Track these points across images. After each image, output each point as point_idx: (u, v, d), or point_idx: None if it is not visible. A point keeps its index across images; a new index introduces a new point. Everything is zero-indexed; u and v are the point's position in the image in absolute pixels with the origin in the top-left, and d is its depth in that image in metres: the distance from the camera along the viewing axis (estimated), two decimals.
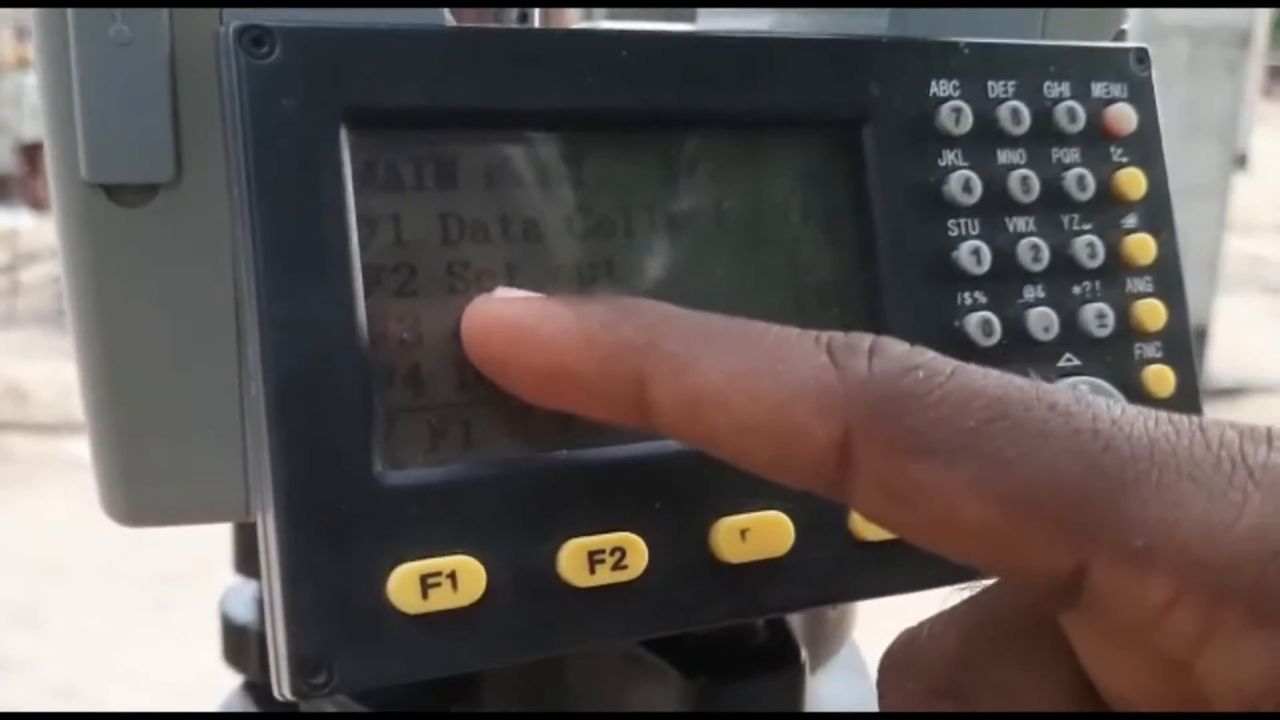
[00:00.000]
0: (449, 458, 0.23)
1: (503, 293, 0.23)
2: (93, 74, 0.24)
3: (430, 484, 0.22)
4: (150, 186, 0.25)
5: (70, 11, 0.24)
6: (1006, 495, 0.17)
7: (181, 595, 2.32)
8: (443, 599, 0.22)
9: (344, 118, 0.23)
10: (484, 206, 0.24)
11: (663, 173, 0.26)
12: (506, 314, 0.22)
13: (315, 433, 0.22)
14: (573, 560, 0.23)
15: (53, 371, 3.69)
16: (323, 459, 0.22)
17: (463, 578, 0.22)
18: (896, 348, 0.19)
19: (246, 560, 0.38)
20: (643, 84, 0.25)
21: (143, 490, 0.27)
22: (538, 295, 0.23)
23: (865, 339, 0.20)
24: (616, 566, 0.23)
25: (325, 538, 0.22)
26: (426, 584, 0.22)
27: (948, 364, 0.19)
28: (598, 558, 0.23)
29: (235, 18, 0.23)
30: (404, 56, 0.23)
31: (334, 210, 0.22)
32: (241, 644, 0.38)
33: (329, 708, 0.31)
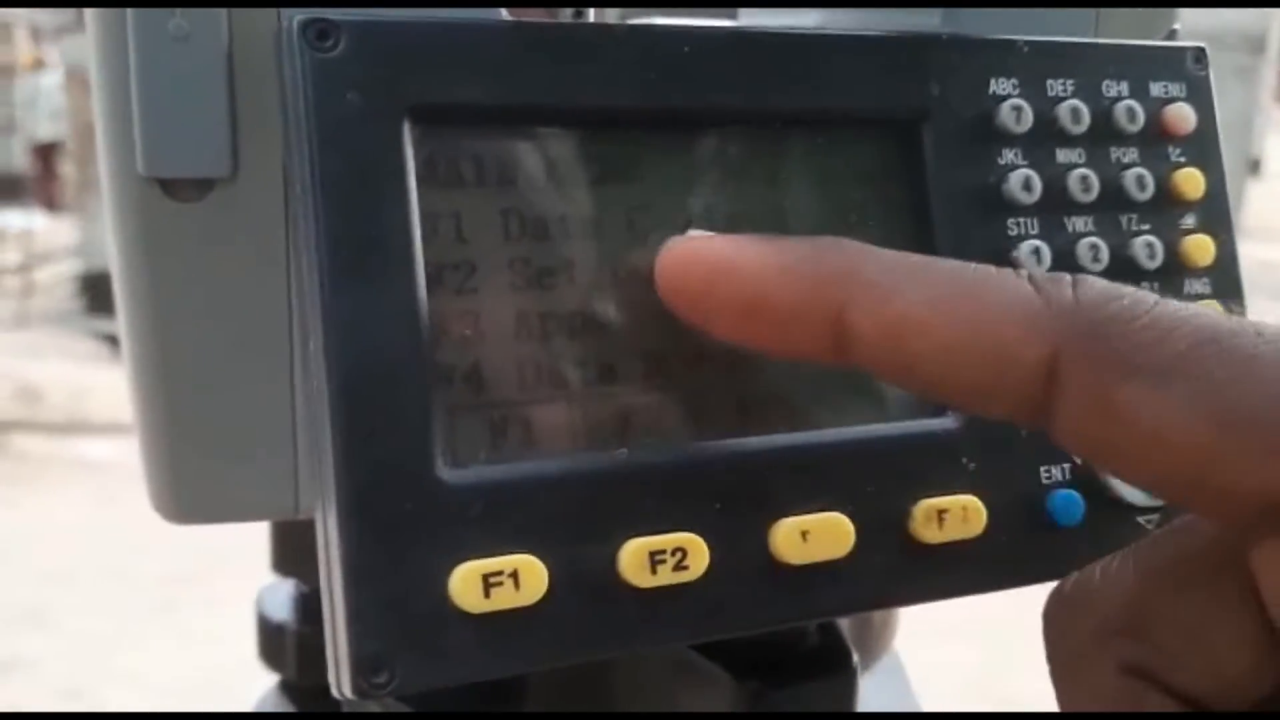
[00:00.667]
0: (510, 456, 0.23)
1: (696, 233, 0.23)
2: (151, 68, 0.24)
3: (492, 482, 0.22)
4: (206, 181, 0.25)
5: (130, 10, 0.24)
6: (1218, 415, 0.17)
7: (186, 598, 2.33)
8: (505, 598, 0.22)
9: (407, 113, 0.22)
10: (544, 203, 0.24)
11: (721, 170, 0.25)
12: (705, 250, 0.22)
13: (377, 431, 0.22)
14: (634, 560, 0.22)
15: (64, 372, 3.70)
16: (385, 457, 0.22)
17: (525, 577, 0.22)
18: (1099, 281, 0.20)
19: (284, 559, 0.38)
20: (703, 80, 0.24)
21: (192, 487, 0.27)
22: (733, 235, 0.23)
23: (1066, 275, 0.20)
24: (678, 567, 0.23)
25: (387, 537, 0.21)
26: (489, 583, 0.21)
27: (1150, 295, 0.19)
28: (659, 558, 0.23)
29: (292, 14, 0.22)
30: (467, 51, 0.23)
31: (397, 206, 0.22)
32: (278, 643, 0.38)
33: (373, 707, 0.31)
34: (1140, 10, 0.31)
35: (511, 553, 0.22)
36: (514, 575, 0.22)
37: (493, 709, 0.31)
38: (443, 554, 0.21)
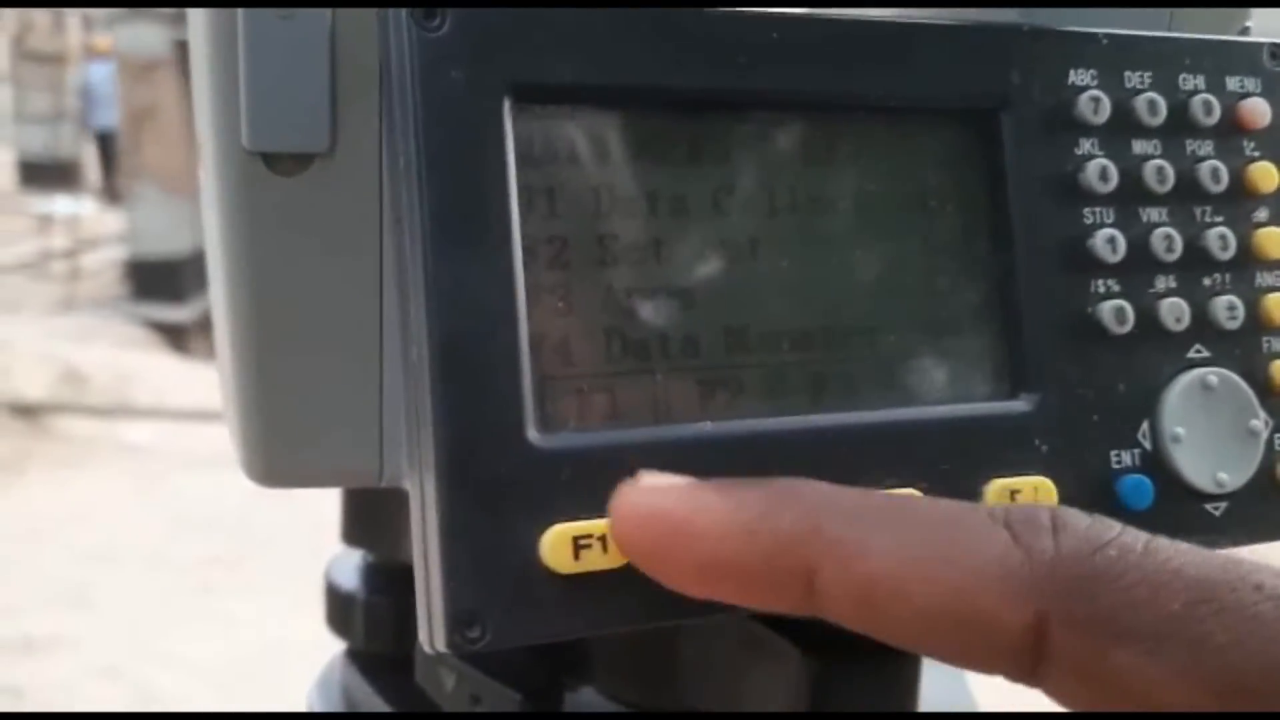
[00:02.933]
0: (598, 425, 0.24)
1: (649, 480, 0.22)
2: (258, 46, 0.25)
3: (580, 448, 0.23)
4: (306, 156, 0.26)
5: None
6: (1219, 684, 0.17)
7: (225, 580, 2.35)
8: (593, 560, 0.22)
9: (508, 91, 0.23)
10: (634, 181, 0.25)
11: (805, 153, 0.26)
12: (657, 507, 0.21)
13: (473, 397, 0.22)
14: None
15: (109, 356, 3.75)
16: (480, 423, 0.22)
17: (612, 541, 0.22)
18: (1079, 520, 0.19)
19: (353, 530, 0.39)
20: (790, 65, 0.25)
21: (281, 452, 0.28)
22: (685, 482, 0.22)
23: (1043, 512, 0.19)
24: None
25: (482, 497, 0.22)
26: (578, 545, 0.22)
27: (1137, 538, 0.18)
28: None
29: None
30: (566, 32, 0.24)
31: (497, 182, 0.23)
32: (346, 611, 0.38)
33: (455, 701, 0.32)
34: (1213, 11, 0.31)
35: (600, 517, 0.23)
36: (603, 539, 0.22)
37: (561, 680, 0.32)
38: (534, 516, 0.22)
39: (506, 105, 0.23)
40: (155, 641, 2.15)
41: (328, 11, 0.25)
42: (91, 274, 4.72)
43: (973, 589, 0.18)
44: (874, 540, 0.19)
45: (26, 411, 3.29)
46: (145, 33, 3.99)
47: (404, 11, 0.23)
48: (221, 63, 0.25)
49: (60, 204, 5.03)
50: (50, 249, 4.95)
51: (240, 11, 0.25)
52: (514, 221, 0.23)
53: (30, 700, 1.96)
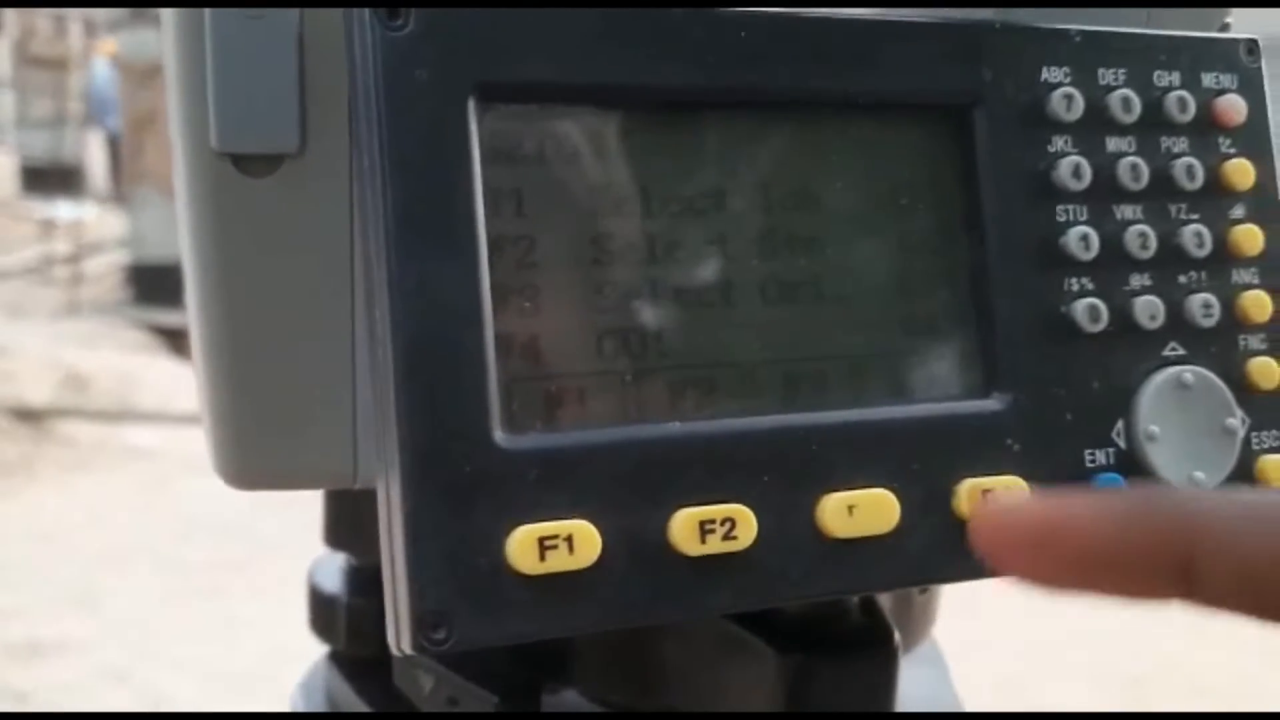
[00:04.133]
0: (565, 425, 0.24)
1: (1006, 497, 0.24)
2: (226, 47, 0.25)
3: (547, 449, 0.23)
4: (275, 157, 0.26)
5: None
6: None
7: (231, 584, 2.35)
8: (560, 561, 0.22)
9: (473, 90, 0.23)
10: (602, 181, 0.25)
11: (777, 150, 0.26)
12: (1031, 510, 0.22)
13: (439, 397, 0.22)
14: (684, 529, 0.23)
15: (112, 361, 3.76)
16: (446, 423, 0.22)
17: (579, 541, 0.22)
18: None
19: (336, 533, 0.39)
20: (762, 63, 0.25)
21: (255, 455, 0.28)
22: (1041, 493, 0.23)
23: None
24: (726, 537, 0.23)
25: (448, 498, 0.22)
26: (544, 546, 0.22)
27: None
28: (708, 527, 0.23)
29: None
30: (531, 31, 0.24)
31: (462, 181, 0.23)
32: (330, 615, 0.38)
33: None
34: (1192, 11, 0.31)
35: (566, 518, 0.22)
36: (569, 539, 0.22)
37: (539, 681, 0.32)
38: (500, 516, 0.22)
39: (471, 104, 0.23)
40: (162, 645, 2.15)
41: (295, 12, 0.25)
42: (94, 279, 4.73)
43: None
44: (1247, 525, 0.21)
45: (31, 416, 3.30)
46: (147, 37, 4.01)
47: (368, 11, 0.23)
48: (190, 64, 0.25)
49: (63, 209, 5.04)
50: (53, 254, 4.97)
51: (208, 12, 0.25)
52: (479, 221, 0.23)
53: (35, 704, 1.96)
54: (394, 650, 0.22)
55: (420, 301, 0.22)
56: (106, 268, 4.80)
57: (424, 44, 0.23)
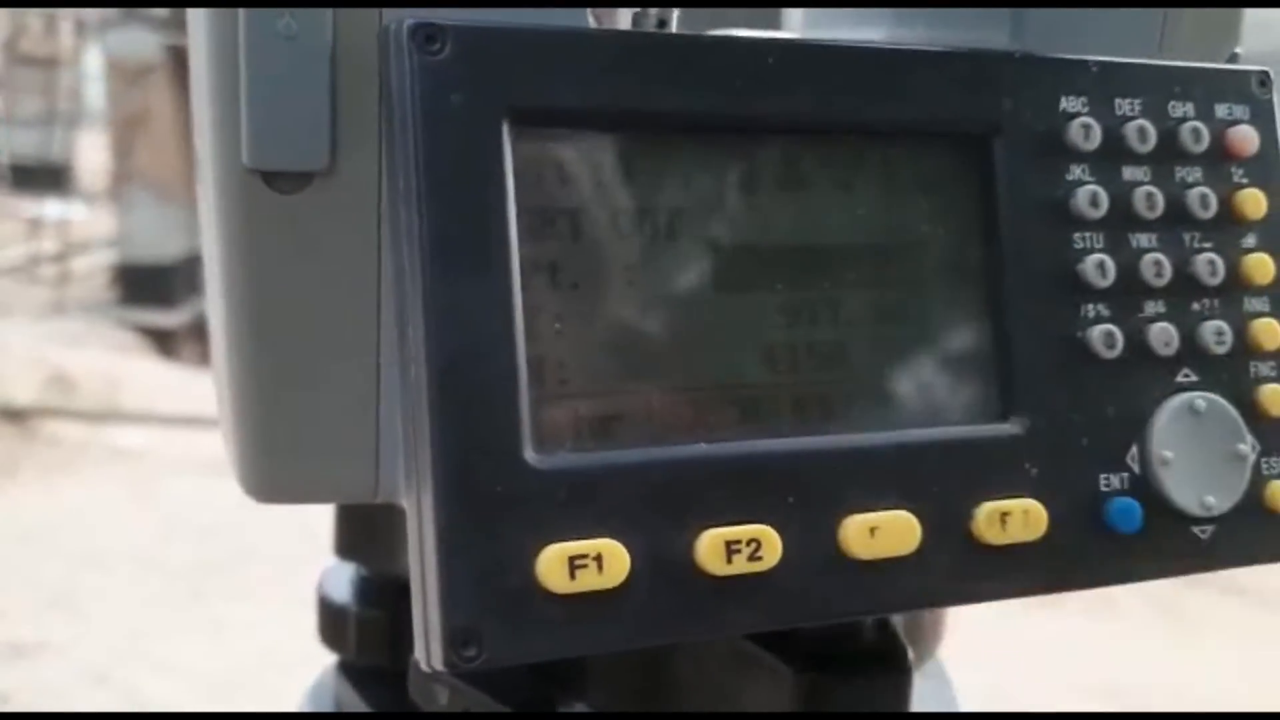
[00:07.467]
0: (594, 445, 0.24)
1: None
2: (260, 65, 0.25)
3: (577, 469, 0.23)
4: (305, 174, 0.26)
5: (241, 9, 0.25)
6: None
7: (216, 587, 2.34)
8: (589, 580, 0.22)
9: (508, 114, 0.23)
10: (632, 204, 0.25)
11: (799, 177, 0.26)
12: None
13: (472, 416, 0.23)
14: (710, 549, 0.23)
15: (98, 361, 3.74)
16: (478, 441, 0.23)
17: (609, 560, 0.23)
18: None
19: (347, 544, 0.39)
20: (786, 90, 0.25)
21: (278, 468, 0.28)
22: None
23: None
24: (752, 557, 0.24)
25: (478, 516, 0.22)
26: (574, 565, 0.22)
27: None
28: (734, 548, 0.24)
29: (394, 16, 0.23)
30: (566, 57, 0.24)
31: (496, 204, 0.23)
32: (339, 624, 0.39)
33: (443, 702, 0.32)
34: (1205, 23, 0.32)
35: (596, 537, 0.23)
36: (598, 559, 0.23)
37: (554, 697, 0.32)
38: (531, 535, 0.23)
39: (506, 128, 0.23)
40: (145, 647, 2.14)
41: (329, 31, 0.25)
42: (81, 278, 4.70)
43: None
44: None
45: (15, 415, 3.28)
46: (136, 38, 3.99)
47: (405, 35, 0.23)
48: (222, 81, 0.26)
49: (50, 207, 5.01)
50: (40, 252, 4.94)
51: (241, 30, 0.25)
52: (513, 244, 0.23)
53: (16, 704, 1.95)
54: (424, 666, 0.23)
55: (454, 322, 0.23)
56: (93, 267, 4.78)
57: (459, 68, 0.23)
